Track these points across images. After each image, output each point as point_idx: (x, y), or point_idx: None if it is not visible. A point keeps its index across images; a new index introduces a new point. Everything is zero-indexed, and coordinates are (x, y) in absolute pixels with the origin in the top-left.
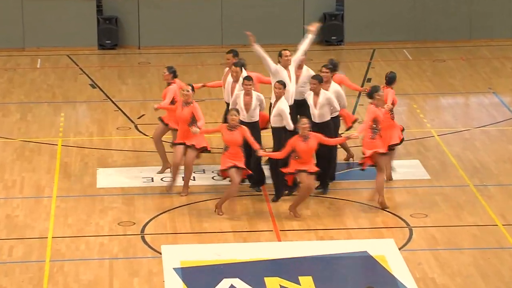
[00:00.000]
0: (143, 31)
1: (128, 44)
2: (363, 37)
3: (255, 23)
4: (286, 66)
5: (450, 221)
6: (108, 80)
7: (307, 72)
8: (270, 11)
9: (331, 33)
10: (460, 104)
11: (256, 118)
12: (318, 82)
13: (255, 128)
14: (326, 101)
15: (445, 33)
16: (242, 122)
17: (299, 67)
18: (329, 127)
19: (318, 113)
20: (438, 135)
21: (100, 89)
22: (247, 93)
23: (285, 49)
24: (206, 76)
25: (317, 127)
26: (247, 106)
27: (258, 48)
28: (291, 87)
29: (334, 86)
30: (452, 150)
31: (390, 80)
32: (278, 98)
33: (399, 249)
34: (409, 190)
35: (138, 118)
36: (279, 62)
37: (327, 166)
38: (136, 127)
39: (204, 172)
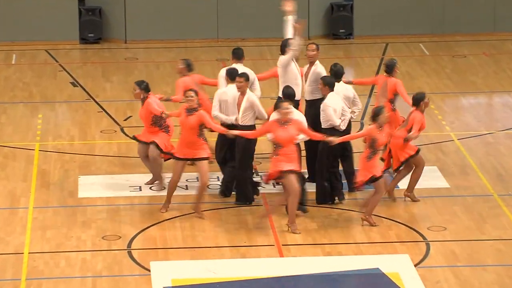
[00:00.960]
0: (130, 23)
1: (113, 38)
2: (375, 30)
3: (255, 15)
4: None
5: (472, 235)
6: (91, 77)
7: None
8: (271, 1)
9: (339, 25)
10: (482, 105)
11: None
12: (244, 79)
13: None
14: (249, 104)
15: (466, 25)
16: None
17: (311, 63)
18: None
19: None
20: (458, 139)
21: (82, 88)
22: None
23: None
24: (200, 73)
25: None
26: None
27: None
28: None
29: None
30: (474, 156)
31: (389, 67)
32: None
33: (415, 265)
34: (426, 200)
35: (125, 120)
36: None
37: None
38: (122, 130)
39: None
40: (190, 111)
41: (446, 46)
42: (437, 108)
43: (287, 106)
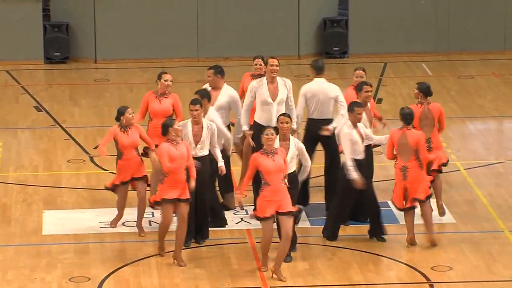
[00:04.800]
0: (101, 41)
1: (81, 57)
2: (372, 48)
3: (238, 32)
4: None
5: (481, 275)
6: (57, 101)
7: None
8: (258, 17)
9: (333, 43)
10: (492, 131)
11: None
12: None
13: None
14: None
15: (473, 43)
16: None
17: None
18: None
19: None
20: (465, 169)
21: (47, 113)
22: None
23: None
24: (178, 95)
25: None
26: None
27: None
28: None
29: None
30: (483, 188)
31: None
32: None
33: None
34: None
35: (95, 148)
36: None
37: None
38: (91, 159)
39: (175, 216)
40: (127, 128)
41: (451, 65)
42: (442, 134)
43: (270, 131)
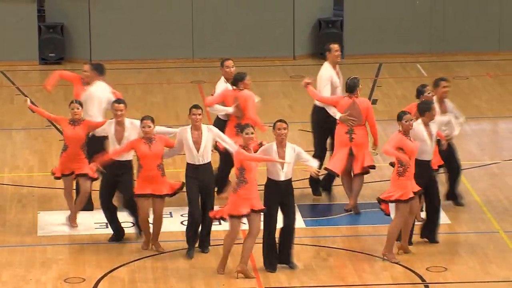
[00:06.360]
0: (96, 41)
1: (76, 58)
2: (367, 49)
3: (234, 32)
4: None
5: (476, 276)
6: (52, 102)
7: None
8: (252, 17)
9: (328, 43)
10: (487, 131)
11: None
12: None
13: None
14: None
15: (468, 44)
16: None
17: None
18: None
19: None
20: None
21: None
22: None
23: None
24: (173, 96)
25: None
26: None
27: None
28: None
29: None
30: (477, 188)
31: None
32: None
33: None
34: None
35: None
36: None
37: None
38: None
39: (171, 216)
40: (76, 122)
41: (446, 66)
42: None
43: (250, 130)
